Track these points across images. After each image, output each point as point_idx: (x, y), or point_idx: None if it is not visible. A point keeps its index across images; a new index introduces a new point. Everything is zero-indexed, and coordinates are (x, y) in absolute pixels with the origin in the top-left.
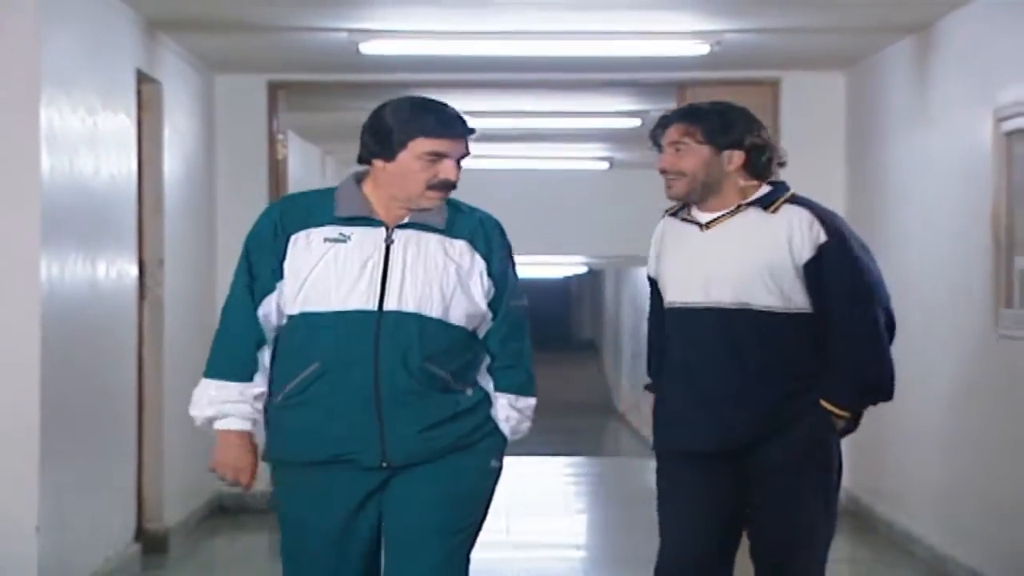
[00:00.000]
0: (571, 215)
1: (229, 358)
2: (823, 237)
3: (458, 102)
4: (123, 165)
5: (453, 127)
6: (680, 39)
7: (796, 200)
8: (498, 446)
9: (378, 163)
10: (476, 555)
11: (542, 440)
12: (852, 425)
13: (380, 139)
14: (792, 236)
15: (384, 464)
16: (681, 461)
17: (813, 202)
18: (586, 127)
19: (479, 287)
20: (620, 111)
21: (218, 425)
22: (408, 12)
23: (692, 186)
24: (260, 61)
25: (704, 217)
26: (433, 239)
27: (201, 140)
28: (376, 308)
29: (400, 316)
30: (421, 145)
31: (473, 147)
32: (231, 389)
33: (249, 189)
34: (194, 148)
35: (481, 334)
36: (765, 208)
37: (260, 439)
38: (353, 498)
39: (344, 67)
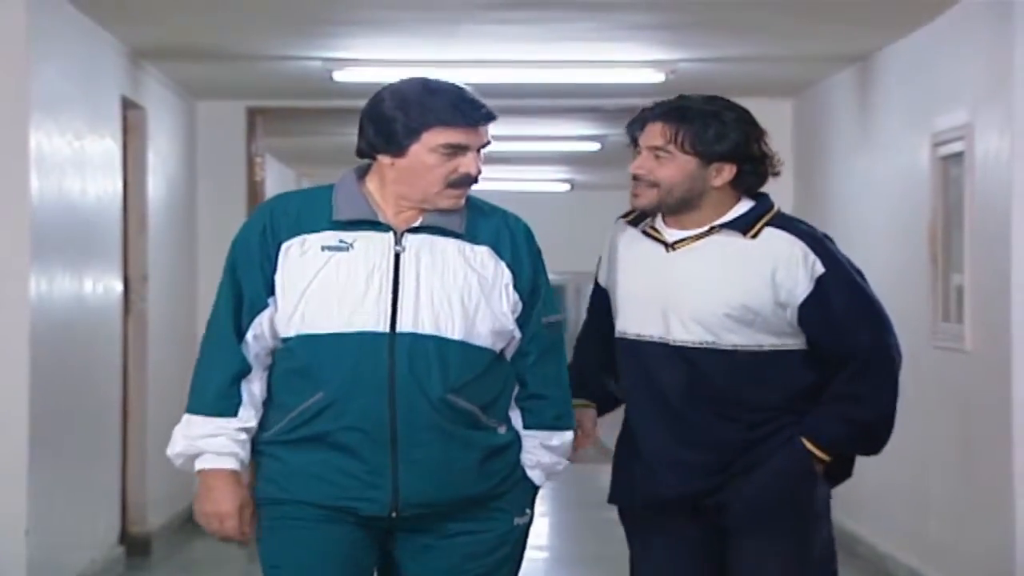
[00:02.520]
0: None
1: (207, 391)
2: (820, 268)
3: None
4: (109, 186)
5: (474, 113)
6: (637, 68)
7: (780, 222)
8: (527, 498)
9: (384, 159)
10: None
11: None
12: (838, 470)
13: (385, 131)
14: (777, 270)
15: (393, 514)
16: (649, 521)
17: (797, 223)
18: (548, 151)
19: (504, 301)
20: (580, 135)
21: (197, 466)
22: (379, 41)
23: (665, 199)
24: (239, 88)
25: (672, 235)
26: (451, 245)
27: (183, 162)
28: (388, 329)
29: (416, 339)
30: (437, 136)
31: None
32: (208, 424)
33: (228, 209)
34: (176, 170)
35: (508, 356)
36: (743, 233)
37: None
38: (348, 552)
39: (318, 94)
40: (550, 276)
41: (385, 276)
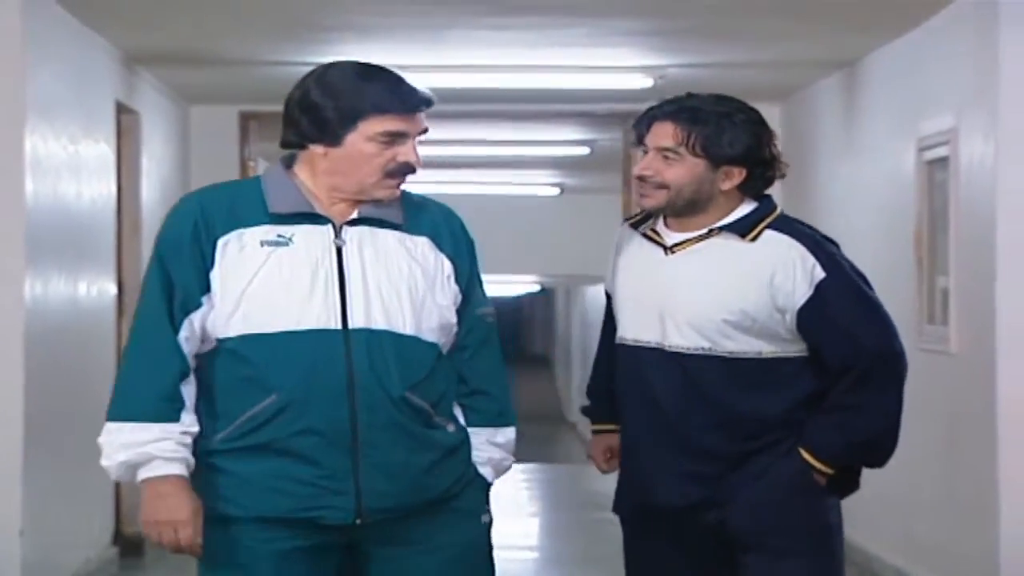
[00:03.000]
0: (524, 237)
1: (146, 394)
2: (820, 273)
3: None
4: (103, 190)
5: (412, 99)
6: (626, 73)
7: (780, 225)
8: (484, 496)
9: (316, 149)
10: None
11: None
12: (843, 483)
13: (319, 119)
14: (775, 274)
15: (357, 521)
16: (647, 529)
17: (799, 226)
18: (538, 155)
19: (447, 294)
20: (570, 140)
21: (142, 474)
22: (369, 47)
23: (673, 201)
24: (232, 93)
25: (672, 237)
26: (391, 237)
27: (176, 166)
28: (340, 326)
29: (371, 335)
30: (374, 124)
31: (434, 174)
32: (152, 429)
33: None
34: (170, 174)
35: (445, 352)
36: (742, 236)
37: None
38: (306, 566)
39: None
40: (541, 280)
41: (330, 271)
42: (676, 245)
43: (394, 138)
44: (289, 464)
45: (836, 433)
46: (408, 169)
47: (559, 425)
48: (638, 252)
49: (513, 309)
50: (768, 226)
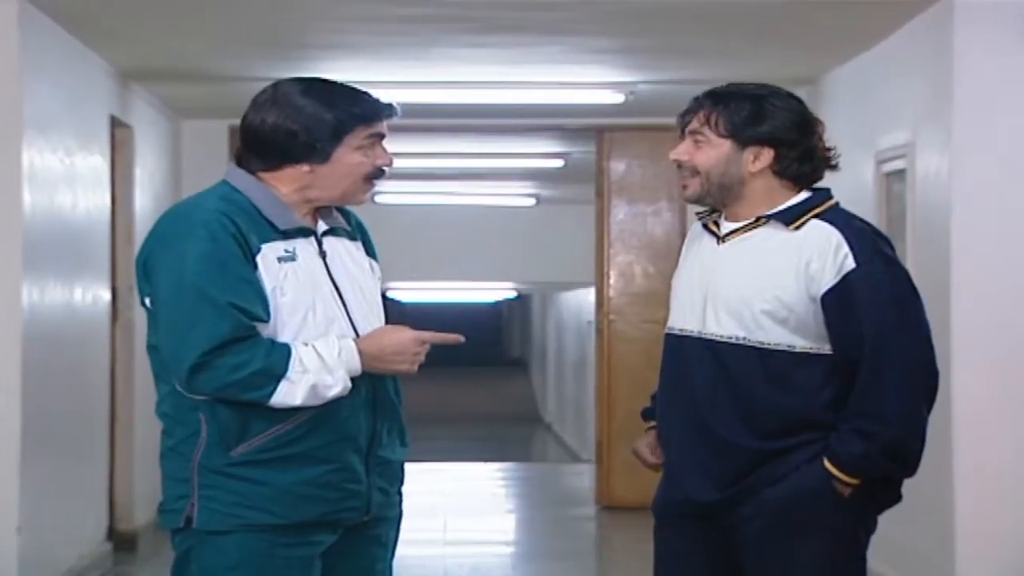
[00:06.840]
0: (502, 246)
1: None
2: (850, 263)
3: (399, 144)
4: (98, 201)
5: (382, 105)
6: (598, 89)
7: (827, 214)
8: None
9: (301, 168)
10: (416, 551)
11: (475, 447)
12: (880, 493)
13: (304, 143)
14: (811, 261)
15: (366, 518)
16: (672, 524)
17: (849, 217)
18: (514, 167)
19: (378, 292)
20: (544, 152)
21: (350, 367)
22: (353, 63)
23: (707, 187)
24: (222, 108)
25: (725, 227)
26: (348, 245)
27: (168, 179)
28: (354, 334)
29: None
30: (360, 134)
31: (416, 185)
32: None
33: None
34: (162, 186)
35: None
36: (787, 224)
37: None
38: (316, 569)
39: None
40: (518, 287)
41: (329, 283)
42: (728, 234)
43: (374, 142)
44: (325, 470)
45: (855, 440)
46: (383, 172)
47: (535, 425)
48: (698, 244)
49: (491, 315)
50: (817, 216)
